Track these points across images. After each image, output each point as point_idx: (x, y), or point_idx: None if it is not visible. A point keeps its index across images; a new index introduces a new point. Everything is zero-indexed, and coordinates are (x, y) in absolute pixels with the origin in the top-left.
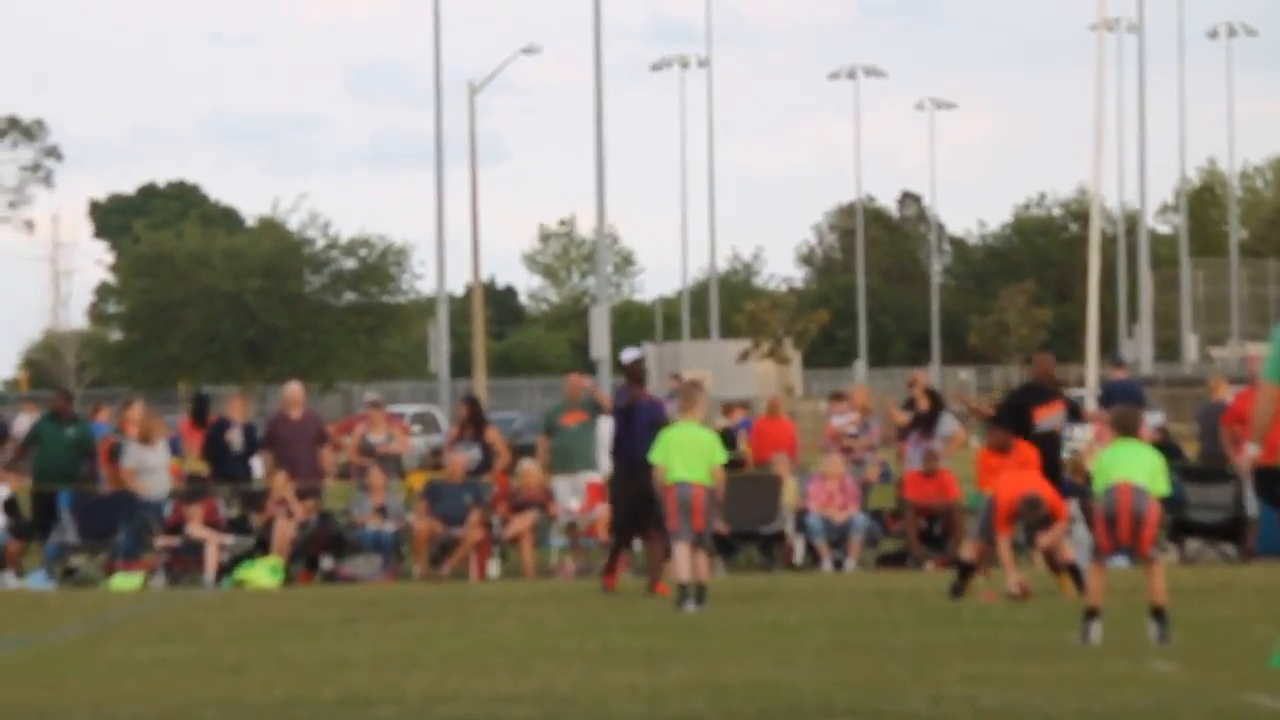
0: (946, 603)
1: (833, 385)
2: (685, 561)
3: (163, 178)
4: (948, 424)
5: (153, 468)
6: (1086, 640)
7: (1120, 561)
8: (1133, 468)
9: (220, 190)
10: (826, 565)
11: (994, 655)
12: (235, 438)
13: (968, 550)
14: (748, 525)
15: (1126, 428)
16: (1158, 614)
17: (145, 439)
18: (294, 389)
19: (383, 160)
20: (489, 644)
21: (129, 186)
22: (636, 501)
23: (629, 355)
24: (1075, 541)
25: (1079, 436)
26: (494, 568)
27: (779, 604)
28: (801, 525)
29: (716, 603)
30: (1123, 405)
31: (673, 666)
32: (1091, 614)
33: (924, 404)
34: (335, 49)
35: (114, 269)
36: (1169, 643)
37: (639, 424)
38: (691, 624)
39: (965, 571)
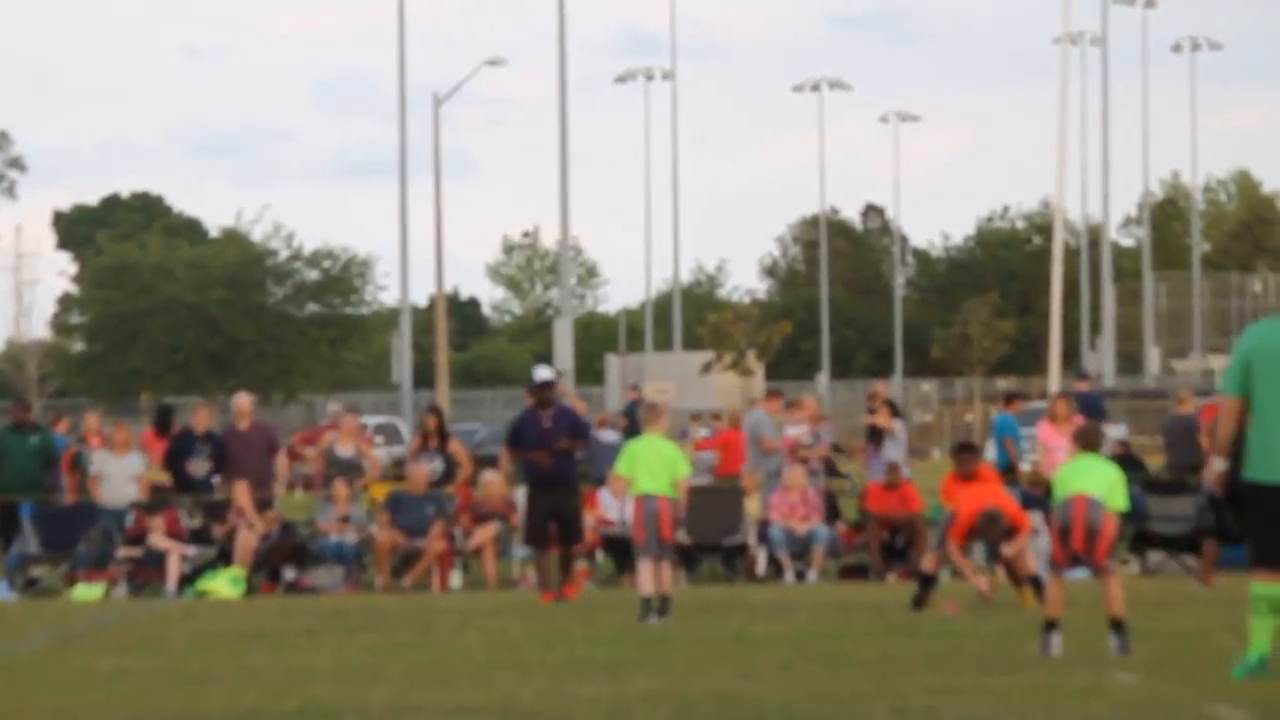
0: (908, 615)
1: (796, 397)
2: (648, 575)
3: (128, 189)
4: (902, 435)
5: (110, 475)
6: (1047, 652)
7: (1081, 573)
8: (1090, 481)
9: (184, 202)
10: (789, 577)
11: (956, 667)
12: (198, 467)
13: (928, 562)
14: (710, 537)
15: (1087, 442)
16: (1117, 626)
17: (111, 446)
18: (241, 400)
19: (349, 172)
20: (452, 655)
21: (95, 197)
22: (552, 515)
23: (543, 374)
24: (1037, 553)
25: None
26: (456, 579)
27: (742, 616)
28: (764, 537)
29: (680, 615)
30: (1085, 420)
31: (636, 678)
32: (1051, 625)
33: (884, 416)
34: (302, 62)
35: (77, 280)
36: (1129, 654)
37: (546, 442)
38: (655, 636)
39: (926, 583)
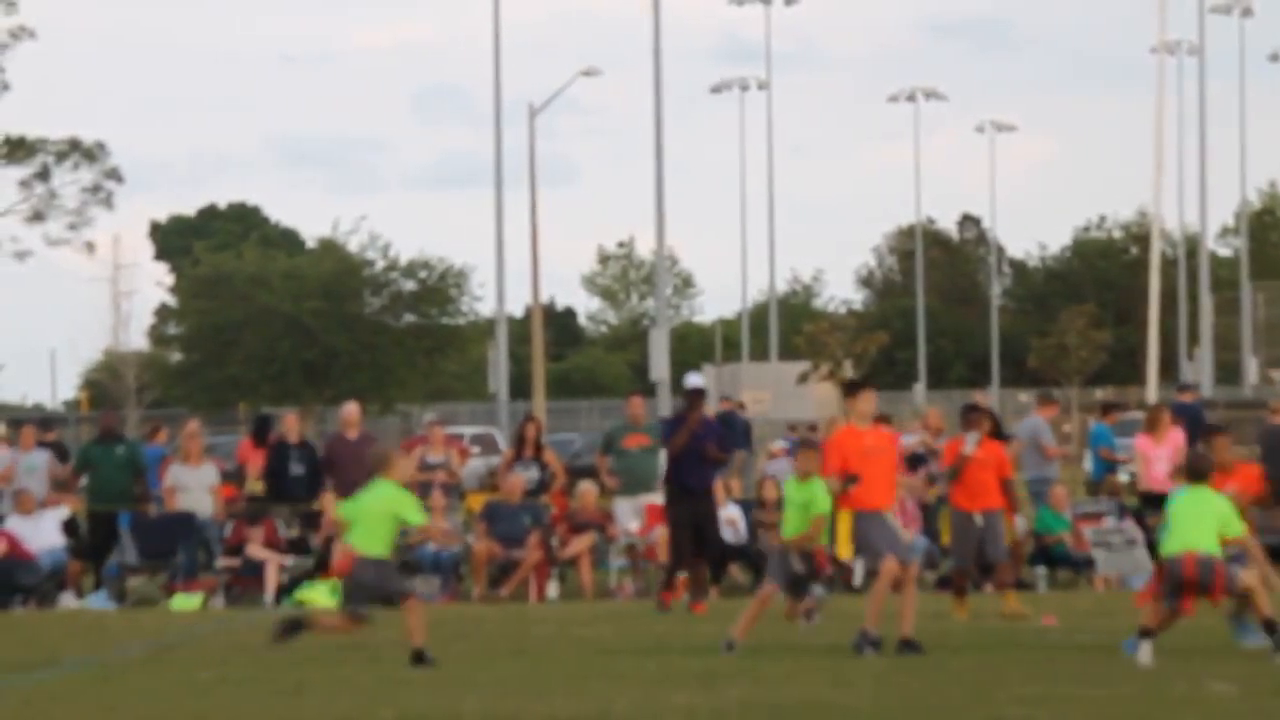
0: (1004, 625)
1: (892, 408)
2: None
3: (225, 199)
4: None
5: (186, 486)
6: (1134, 653)
7: None
8: (1200, 531)
9: (281, 212)
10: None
11: (1052, 678)
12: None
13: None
14: None
15: (1196, 472)
16: (1269, 626)
17: (185, 458)
18: (351, 410)
19: (445, 182)
20: (547, 665)
21: (192, 208)
22: (695, 524)
23: (694, 381)
24: (1135, 564)
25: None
26: (553, 589)
27: (837, 625)
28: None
29: (775, 624)
30: (1195, 450)
31: (731, 688)
32: (1145, 634)
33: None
34: (399, 72)
35: (174, 290)
36: None
37: (693, 450)
38: (750, 646)
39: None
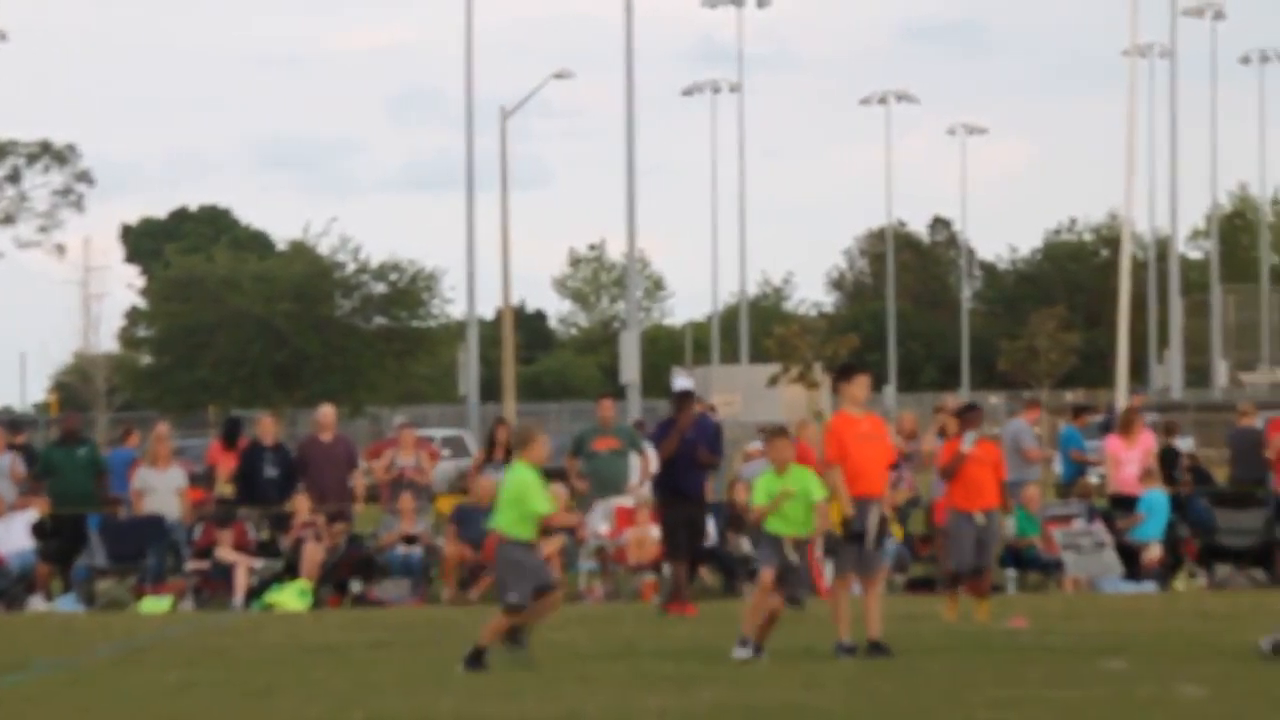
0: (975, 628)
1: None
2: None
3: (196, 202)
4: None
5: (153, 488)
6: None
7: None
8: None
9: (252, 214)
10: (855, 590)
11: (1023, 680)
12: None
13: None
14: None
15: None
16: None
17: (152, 460)
18: (326, 412)
19: (417, 184)
20: (518, 668)
21: (163, 211)
22: (687, 526)
23: (682, 384)
24: (1105, 567)
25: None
26: None
27: (808, 628)
28: (831, 549)
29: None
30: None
31: (703, 690)
32: None
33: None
34: (373, 74)
35: (144, 293)
36: None
37: (684, 454)
38: (721, 648)
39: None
